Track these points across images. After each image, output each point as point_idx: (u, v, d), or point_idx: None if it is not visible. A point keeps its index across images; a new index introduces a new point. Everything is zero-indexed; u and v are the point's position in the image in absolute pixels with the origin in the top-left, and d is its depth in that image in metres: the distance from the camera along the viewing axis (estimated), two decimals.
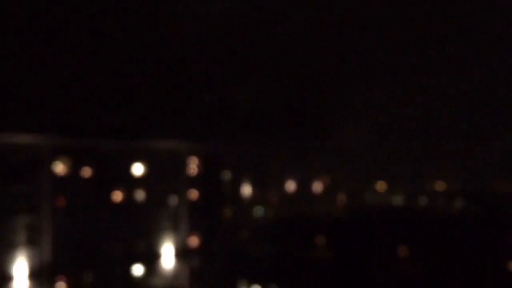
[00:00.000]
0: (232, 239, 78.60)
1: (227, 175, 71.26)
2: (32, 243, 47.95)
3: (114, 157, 54.19)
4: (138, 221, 55.41)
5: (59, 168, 50.77)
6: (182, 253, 58.62)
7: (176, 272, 58.13)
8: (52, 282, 48.80)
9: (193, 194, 60.44)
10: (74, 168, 51.50)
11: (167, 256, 57.76)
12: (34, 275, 47.69)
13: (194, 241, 59.95)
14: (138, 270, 55.30)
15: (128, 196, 55.35)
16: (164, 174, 58.07)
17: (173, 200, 59.00)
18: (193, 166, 61.17)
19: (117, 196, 54.56)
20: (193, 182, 60.61)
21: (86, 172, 52.21)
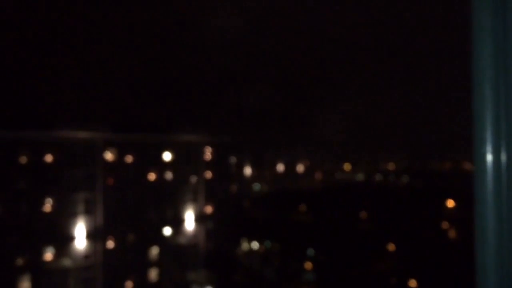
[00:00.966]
0: (237, 208, 78.47)
1: (233, 160, 70.96)
2: (89, 212, 47.78)
3: (149, 147, 53.88)
4: (168, 195, 55.20)
5: (109, 156, 50.47)
6: (200, 218, 58.44)
7: (196, 232, 58.01)
8: (104, 241, 48.63)
9: (208, 174, 60.20)
10: (120, 156, 51.19)
11: (189, 220, 57.60)
12: (90, 236, 47.53)
13: (209, 209, 59.78)
14: (167, 231, 55.15)
15: (160, 176, 55.09)
16: (187, 160, 57.84)
17: (193, 179, 58.76)
18: (208, 153, 60.92)
19: (152, 176, 54.30)
20: (208, 165, 60.39)
21: (129, 159, 51.89)
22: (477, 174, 1.71)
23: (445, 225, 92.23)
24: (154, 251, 53.20)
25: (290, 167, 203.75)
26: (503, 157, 1.64)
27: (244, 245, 71.41)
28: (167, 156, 56.09)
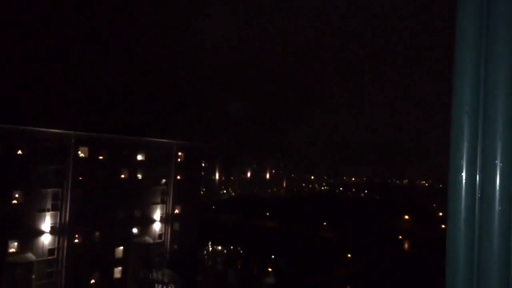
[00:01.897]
0: (204, 210, 77.86)
1: (203, 164, 70.54)
2: (56, 208, 46.40)
3: (121, 147, 52.92)
4: (137, 195, 54.27)
5: (80, 154, 49.27)
6: (167, 219, 57.69)
7: (162, 233, 57.20)
8: (69, 237, 47.29)
9: (178, 177, 59.54)
10: (91, 154, 50.03)
11: (157, 221, 56.77)
12: (56, 231, 46.14)
13: (176, 211, 59.12)
14: (134, 230, 54.20)
15: (130, 177, 54.14)
16: (158, 162, 57.11)
17: (163, 180, 58.05)
18: (179, 157, 60.32)
19: (122, 176, 53.31)
20: (179, 168, 59.78)
21: (100, 157, 50.79)
22: (451, 196, 1.76)
23: (400, 236, 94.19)
24: (120, 249, 52.13)
25: (257, 174, 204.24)
26: (478, 180, 1.70)
27: (209, 247, 70.92)
28: (138, 157, 55.26)
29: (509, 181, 1.65)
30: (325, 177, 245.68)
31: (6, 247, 42.24)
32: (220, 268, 62.49)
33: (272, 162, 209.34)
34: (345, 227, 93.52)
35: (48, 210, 45.50)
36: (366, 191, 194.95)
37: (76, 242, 47.82)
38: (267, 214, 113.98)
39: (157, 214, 56.73)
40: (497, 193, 1.66)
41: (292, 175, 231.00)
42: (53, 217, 45.95)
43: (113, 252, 51.31)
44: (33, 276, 43.17)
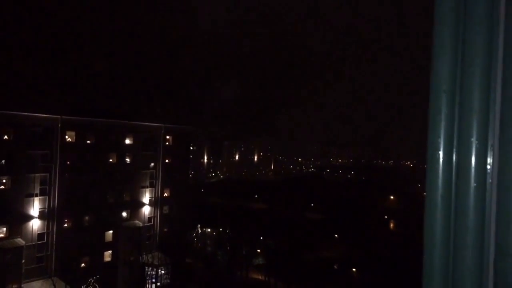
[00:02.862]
0: (193, 193, 78.01)
1: (192, 147, 70.36)
2: (44, 193, 46.08)
3: (109, 131, 52.48)
4: (126, 179, 54.09)
5: (67, 138, 48.75)
6: (156, 202, 57.72)
7: (152, 216, 57.29)
8: (59, 221, 47.11)
9: (167, 160, 59.39)
10: (78, 139, 49.54)
11: (146, 204, 56.77)
12: (45, 216, 45.92)
13: (166, 194, 59.13)
14: (124, 214, 54.17)
15: (119, 160, 53.84)
16: (146, 145, 56.83)
17: (152, 164, 57.89)
18: (168, 140, 60.07)
19: (111, 159, 53.00)
20: (168, 152, 59.58)
21: (88, 141, 50.34)
22: (429, 173, 1.81)
23: (385, 215, 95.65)
24: (110, 233, 52.14)
25: (246, 157, 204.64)
26: (455, 157, 1.74)
27: (198, 230, 71.25)
28: (126, 141, 54.91)
29: (484, 159, 1.70)
30: (312, 159, 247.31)
31: None
32: (209, 250, 62.95)
33: (260, 145, 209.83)
34: (332, 208, 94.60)
35: (36, 195, 45.16)
36: (352, 173, 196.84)
37: (66, 227, 47.68)
38: (255, 196, 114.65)
39: (146, 198, 56.69)
40: (473, 170, 1.71)
41: (280, 158, 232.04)
42: (42, 202, 45.64)
43: (103, 236, 51.30)
44: (23, 261, 43.07)
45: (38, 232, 45.30)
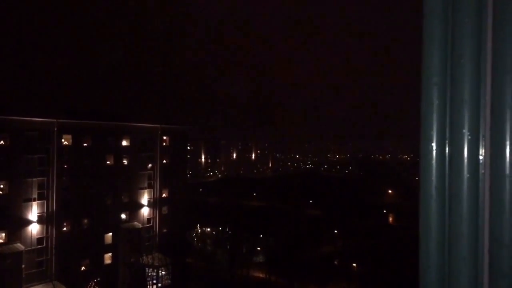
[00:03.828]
0: (191, 193, 77.98)
1: (189, 147, 70.34)
2: (42, 197, 45.99)
3: (105, 133, 52.37)
4: (123, 180, 54.03)
5: (64, 141, 48.65)
6: (155, 203, 57.70)
7: (151, 217, 57.27)
8: (58, 225, 47.05)
9: (164, 161, 59.35)
10: (75, 142, 49.42)
11: (145, 205, 56.75)
12: (44, 220, 45.85)
13: (164, 194, 59.10)
14: (123, 215, 54.12)
15: (116, 162, 53.75)
16: (143, 146, 56.77)
17: (149, 165, 57.84)
18: (164, 141, 60.02)
19: (108, 162, 52.89)
20: (165, 152, 59.55)
21: (84, 144, 50.22)
22: (423, 165, 1.83)
23: (384, 210, 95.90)
24: (109, 235, 52.09)
25: (243, 155, 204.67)
26: (447, 149, 1.77)
27: (197, 229, 71.30)
28: (123, 142, 54.83)
29: (476, 150, 1.73)
30: (310, 156, 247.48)
31: None
32: (209, 250, 63.02)
33: (257, 143, 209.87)
34: (330, 204, 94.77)
35: (35, 200, 45.06)
36: (350, 168, 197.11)
37: (65, 230, 47.60)
38: (254, 194, 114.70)
39: (144, 199, 56.66)
40: (465, 161, 1.73)
41: (277, 155, 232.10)
42: (40, 206, 45.55)
43: (102, 238, 51.25)
44: (23, 266, 42.99)
45: (37, 237, 45.21)
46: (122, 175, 53.72)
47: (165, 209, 58.66)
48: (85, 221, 49.57)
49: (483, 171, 1.71)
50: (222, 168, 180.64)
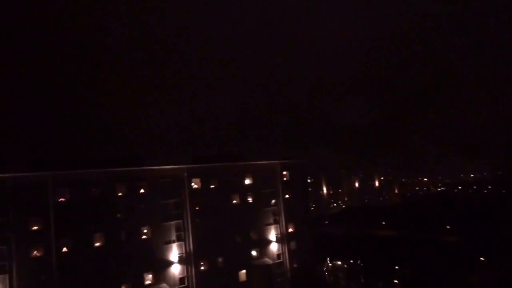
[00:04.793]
0: (317, 226, 77.56)
1: (309, 180, 70.62)
2: (180, 238, 49.67)
3: (229, 174, 55.28)
4: (250, 218, 56.07)
5: (194, 185, 52.41)
6: (282, 238, 58.52)
7: (280, 252, 58.03)
8: (196, 265, 50.10)
9: (287, 195, 60.35)
10: (203, 184, 52.97)
11: (273, 241, 57.87)
12: (183, 260, 49.22)
13: (290, 229, 59.69)
14: (253, 252, 55.73)
15: (242, 200, 56.11)
16: (265, 183, 58.58)
17: (273, 201, 59.25)
18: (285, 176, 61.23)
19: (234, 201, 55.40)
20: (286, 187, 60.63)
21: (211, 186, 53.45)
22: None
23: None
24: (243, 272, 53.88)
25: (366, 183, 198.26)
26: None
27: (328, 263, 70.21)
28: (246, 181, 57.24)
29: None
30: (440, 177, 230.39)
31: (143, 279, 46.10)
32: (342, 284, 61.46)
33: (379, 169, 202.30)
34: (470, 229, 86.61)
35: (174, 242, 48.93)
36: (489, 187, 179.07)
37: (203, 269, 50.49)
38: (383, 223, 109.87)
39: (272, 235, 57.86)
40: None
41: (403, 180, 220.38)
42: (179, 247, 49.24)
43: (236, 275, 53.23)
44: None
45: (179, 277, 48.66)
46: (248, 213, 55.85)
47: (293, 244, 59.11)
48: (219, 259, 52.08)
49: None
50: (346, 199, 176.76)
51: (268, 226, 57.88)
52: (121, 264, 44.40)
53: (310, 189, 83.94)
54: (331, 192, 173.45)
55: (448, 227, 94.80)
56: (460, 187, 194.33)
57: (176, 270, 48.55)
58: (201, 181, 52.68)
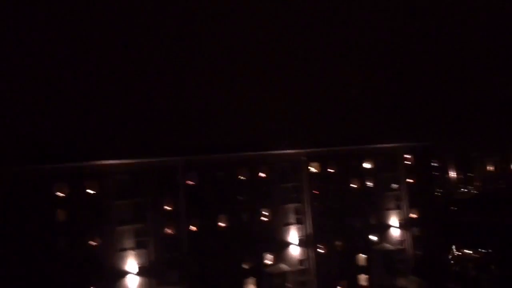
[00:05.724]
0: (444, 212, 73.36)
1: (435, 164, 66.80)
2: (299, 221, 51.01)
3: (349, 158, 54.82)
4: (370, 202, 55.23)
5: (313, 169, 53.06)
6: (405, 224, 56.63)
7: (402, 239, 56.34)
8: (315, 248, 51.10)
9: (410, 180, 57.94)
10: (323, 168, 53.38)
11: (394, 227, 56.38)
12: (302, 243, 50.52)
13: (413, 215, 57.42)
14: (373, 237, 54.95)
15: (362, 185, 55.39)
16: (387, 167, 57.01)
17: (395, 185, 57.46)
18: (409, 159, 58.76)
19: (354, 185, 54.90)
20: (410, 171, 58.21)
21: (331, 170, 53.60)
22: None
23: None
24: (362, 256, 53.59)
25: (502, 167, 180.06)
26: None
27: (453, 251, 66.27)
28: (366, 165, 56.24)
29: None
30: None
31: (263, 258, 48.46)
32: (471, 274, 57.61)
33: None
34: None
35: (293, 224, 50.46)
36: None
37: (322, 253, 51.33)
38: None
39: (393, 220, 56.37)
40: None
41: None
42: (299, 230, 50.66)
43: (355, 260, 53.14)
44: (288, 285, 48.21)
45: (299, 258, 50.16)
46: (368, 197, 55.01)
47: (416, 230, 56.92)
48: (338, 243, 52.38)
49: None
50: (477, 184, 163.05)
51: (389, 211, 56.46)
52: (243, 244, 47.18)
53: (436, 173, 79.45)
54: (460, 177, 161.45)
55: None
56: None
57: (295, 252, 50.07)
58: (320, 165, 53.19)
